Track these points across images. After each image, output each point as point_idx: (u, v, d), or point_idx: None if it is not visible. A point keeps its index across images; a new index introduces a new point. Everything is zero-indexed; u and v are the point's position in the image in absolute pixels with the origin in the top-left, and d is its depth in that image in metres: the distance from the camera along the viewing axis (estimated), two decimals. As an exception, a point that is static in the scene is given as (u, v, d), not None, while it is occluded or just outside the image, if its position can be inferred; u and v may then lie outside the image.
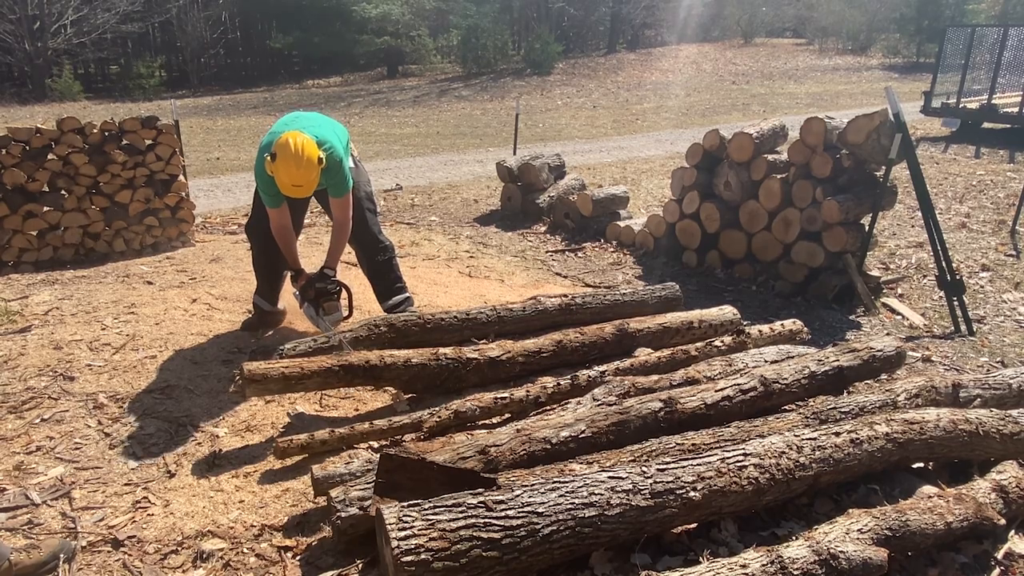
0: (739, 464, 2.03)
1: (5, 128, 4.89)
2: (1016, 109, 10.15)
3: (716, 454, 2.06)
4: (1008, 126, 10.46)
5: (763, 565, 1.76)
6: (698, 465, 2.00)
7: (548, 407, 2.71)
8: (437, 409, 2.72)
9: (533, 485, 1.85)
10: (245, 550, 2.14)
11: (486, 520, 1.73)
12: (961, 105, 10.71)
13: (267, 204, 3.25)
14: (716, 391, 2.56)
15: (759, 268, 4.87)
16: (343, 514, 2.04)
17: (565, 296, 3.74)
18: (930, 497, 2.14)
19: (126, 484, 2.46)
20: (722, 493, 1.97)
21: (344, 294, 3.35)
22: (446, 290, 4.54)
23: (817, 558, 1.79)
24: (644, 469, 1.95)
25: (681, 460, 2.02)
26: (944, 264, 4.05)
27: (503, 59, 23.62)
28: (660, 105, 17.00)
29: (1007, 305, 4.45)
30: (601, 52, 26.29)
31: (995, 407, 2.67)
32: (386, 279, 3.71)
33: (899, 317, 4.29)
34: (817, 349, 3.08)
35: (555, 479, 1.89)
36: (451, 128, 14.36)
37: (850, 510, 2.04)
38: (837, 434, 2.21)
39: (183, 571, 2.06)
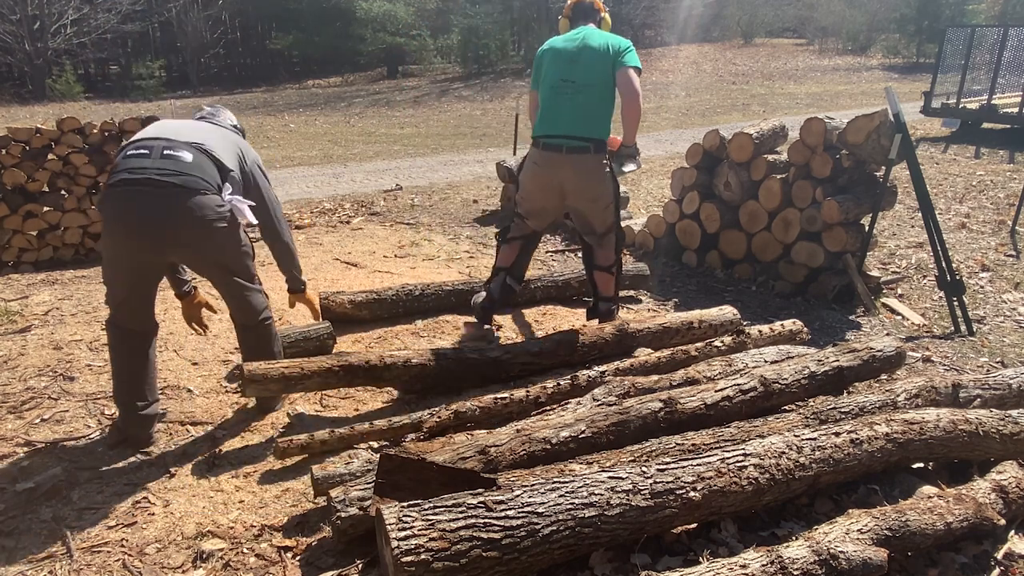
0: (739, 464, 2.03)
1: (5, 128, 4.90)
2: (1016, 109, 10.15)
3: (716, 454, 2.06)
4: (1008, 126, 10.45)
5: (763, 565, 1.76)
6: (698, 465, 2.00)
7: (548, 407, 2.71)
8: (437, 409, 2.72)
9: (533, 485, 1.85)
10: (245, 550, 2.14)
11: (486, 520, 1.73)
12: (961, 105, 10.70)
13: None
14: (716, 391, 2.56)
15: (759, 268, 4.87)
16: (343, 514, 2.04)
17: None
18: (930, 497, 2.14)
19: (126, 484, 2.46)
20: (722, 493, 1.97)
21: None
22: (446, 290, 4.53)
23: (817, 558, 1.79)
24: (644, 469, 1.95)
25: (681, 460, 2.02)
26: (944, 264, 4.05)
27: (503, 59, 23.63)
28: (660, 105, 17.00)
29: (1007, 305, 4.45)
30: (601, 52, 26.22)
31: (995, 407, 2.67)
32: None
33: (899, 317, 4.28)
34: (817, 349, 3.08)
35: (555, 479, 1.89)
36: (451, 128, 14.36)
37: (850, 510, 2.04)
38: (837, 434, 2.21)
39: (183, 571, 2.06)
